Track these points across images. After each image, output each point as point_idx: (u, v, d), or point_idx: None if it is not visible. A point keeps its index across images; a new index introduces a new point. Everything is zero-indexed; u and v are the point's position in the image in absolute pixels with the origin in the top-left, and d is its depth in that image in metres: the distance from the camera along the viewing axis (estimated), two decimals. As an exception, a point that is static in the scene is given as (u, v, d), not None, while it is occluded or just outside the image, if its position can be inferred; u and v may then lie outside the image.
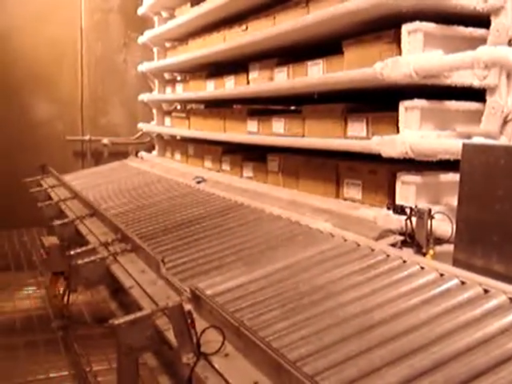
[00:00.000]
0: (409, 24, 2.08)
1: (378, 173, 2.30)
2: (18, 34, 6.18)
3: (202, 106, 4.69)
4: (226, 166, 3.66)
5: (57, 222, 2.99)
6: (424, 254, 1.82)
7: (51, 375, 3.05)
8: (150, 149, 5.64)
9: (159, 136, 5.17)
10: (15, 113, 6.21)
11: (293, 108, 3.72)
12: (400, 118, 2.14)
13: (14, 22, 6.15)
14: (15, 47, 6.18)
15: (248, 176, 3.35)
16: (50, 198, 3.80)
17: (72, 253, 2.34)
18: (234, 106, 4.06)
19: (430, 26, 2.06)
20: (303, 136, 2.77)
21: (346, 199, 2.46)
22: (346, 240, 1.88)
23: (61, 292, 3.54)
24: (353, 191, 2.43)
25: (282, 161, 3.02)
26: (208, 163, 3.92)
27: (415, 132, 2.09)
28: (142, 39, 5.30)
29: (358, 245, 1.82)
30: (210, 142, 3.91)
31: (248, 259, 1.89)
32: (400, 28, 2.13)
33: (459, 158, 1.92)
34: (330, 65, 2.63)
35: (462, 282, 1.46)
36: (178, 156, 4.61)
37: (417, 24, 2.05)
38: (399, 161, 2.14)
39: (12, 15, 6.15)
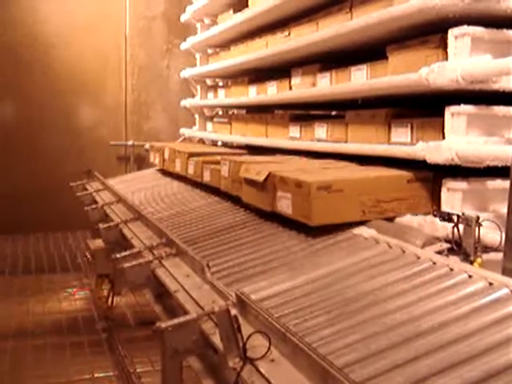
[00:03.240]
0: (456, 28, 2.05)
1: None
2: (66, 42, 6.38)
3: (244, 112, 4.72)
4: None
5: (102, 226, 3.05)
6: (471, 262, 1.78)
7: (96, 375, 3.12)
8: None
9: (201, 141, 5.23)
10: (63, 119, 6.40)
11: (335, 113, 3.71)
12: (446, 124, 2.11)
13: (62, 30, 6.35)
14: (63, 55, 6.38)
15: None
16: (95, 202, 3.88)
17: (118, 256, 2.39)
18: (276, 112, 4.07)
19: (478, 30, 2.02)
20: (346, 142, 2.76)
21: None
22: (390, 247, 1.86)
23: (105, 294, 3.61)
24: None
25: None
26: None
27: (462, 138, 2.05)
28: (184, 46, 5.37)
29: (404, 252, 1.80)
30: (253, 147, 3.93)
31: (292, 265, 1.89)
32: (446, 32, 2.10)
33: (508, 164, 1.89)
34: (374, 70, 2.61)
35: (512, 292, 1.43)
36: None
37: (464, 28, 2.02)
38: (441, 167, 2.11)
39: (61, 24, 6.34)
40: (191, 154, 3.61)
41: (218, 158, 3.26)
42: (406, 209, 2.19)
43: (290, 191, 2.20)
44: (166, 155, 4.19)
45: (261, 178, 2.39)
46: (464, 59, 2.02)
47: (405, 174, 2.23)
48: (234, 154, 3.66)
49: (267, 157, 3.20)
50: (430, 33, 2.22)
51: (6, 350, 3.43)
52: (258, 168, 2.50)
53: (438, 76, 2.02)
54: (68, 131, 6.44)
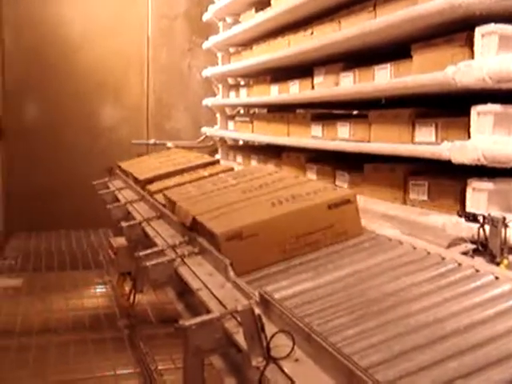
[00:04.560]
0: (482, 26, 2.03)
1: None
2: (89, 43, 6.44)
3: (265, 111, 4.72)
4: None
5: (125, 224, 3.07)
6: (498, 264, 1.76)
7: (118, 372, 3.14)
8: (211, 153, 5.72)
9: (222, 140, 5.24)
10: (86, 118, 6.47)
11: (356, 113, 3.69)
12: (472, 123, 2.08)
13: (86, 32, 6.42)
14: (87, 56, 6.44)
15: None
16: (118, 200, 3.90)
17: (140, 254, 2.40)
18: (297, 111, 4.07)
19: (506, 28, 2.00)
20: (369, 141, 2.74)
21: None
22: (415, 247, 1.84)
23: (127, 292, 3.64)
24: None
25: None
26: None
27: (488, 137, 2.03)
28: (206, 45, 5.39)
29: (428, 252, 1.78)
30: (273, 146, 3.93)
31: (314, 264, 1.88)
32: (472, 31, 2.07)
33: (535, 164, 1.86)
34: (398, 69, 2.59)
35: (540, 294, 1.40)
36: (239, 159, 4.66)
37: (491, 26, 1.99)
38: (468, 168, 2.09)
39: (85, 26, 6.41)
40: (148, 181, 3.44)
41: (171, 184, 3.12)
42: (334, 236, 1.96)
43: (211, 239, 2.01)
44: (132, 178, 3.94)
45: (188, 223, 2.27)
46: (491, 58, 1.99)
47: (325, 198, 1.98)
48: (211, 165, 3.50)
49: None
50: (455, 31, 2.20)
51: (30, 346, 3.47)
52: (186, 208, 2.33)
53: (464, 75, 2.00)
54: (90, 130, 6.51)
